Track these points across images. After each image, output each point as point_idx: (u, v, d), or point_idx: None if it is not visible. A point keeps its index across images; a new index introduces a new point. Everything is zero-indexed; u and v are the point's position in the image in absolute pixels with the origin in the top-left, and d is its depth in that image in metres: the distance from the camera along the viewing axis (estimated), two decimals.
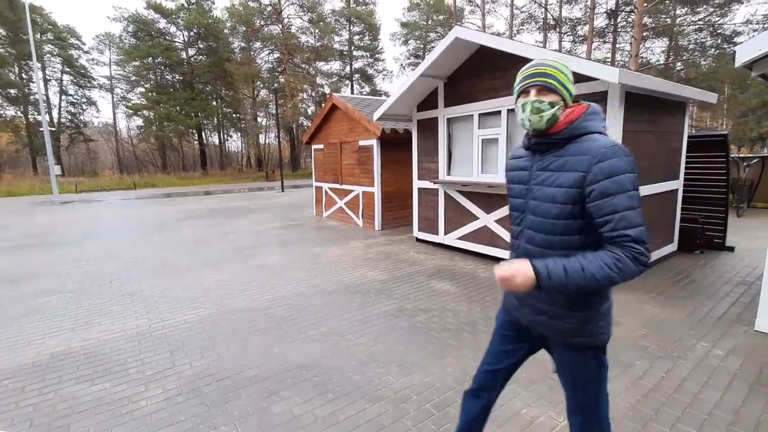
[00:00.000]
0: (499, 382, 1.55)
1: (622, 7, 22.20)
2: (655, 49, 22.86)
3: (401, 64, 38.30)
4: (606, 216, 1.08)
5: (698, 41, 20.30)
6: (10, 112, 32.15)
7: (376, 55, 40.80)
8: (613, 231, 1.08)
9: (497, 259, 5.36)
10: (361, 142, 8.30)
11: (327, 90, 37.48)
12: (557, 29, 25.17)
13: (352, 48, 39.51)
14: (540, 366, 2.56)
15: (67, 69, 34.21)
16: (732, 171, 6.95)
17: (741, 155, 11.53)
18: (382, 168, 7.95)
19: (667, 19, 20.45)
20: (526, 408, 2.32)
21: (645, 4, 17.60)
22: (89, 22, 60.44)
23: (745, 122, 21.58)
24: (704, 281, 4.51)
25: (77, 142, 37.04)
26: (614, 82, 3.67)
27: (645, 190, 4.58)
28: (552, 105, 1.18)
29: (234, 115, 40.11)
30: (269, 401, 2.45)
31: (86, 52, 35.29)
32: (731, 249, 5.75)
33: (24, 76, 31.63)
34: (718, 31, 18.91)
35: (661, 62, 21.22)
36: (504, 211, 5.16)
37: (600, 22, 23.04)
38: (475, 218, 5.59)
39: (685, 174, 5.75)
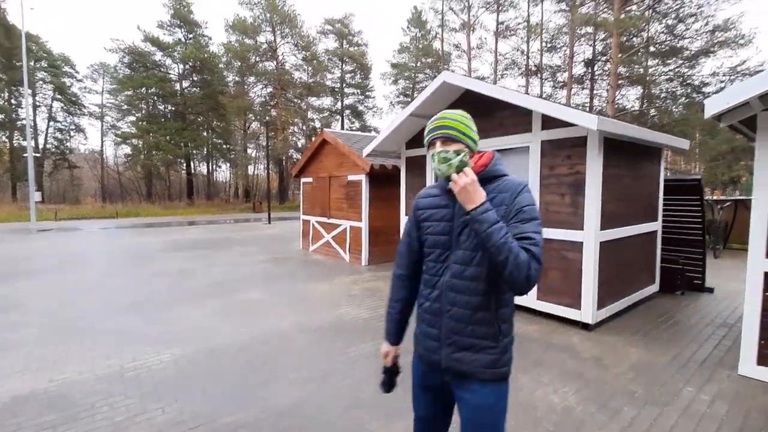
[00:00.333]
0: None
1: (599, 57, 23.71)
2: (630, 96, 24.25)
3: (391, 102, 39.62)
4: (519, 235, 1.21)
5: (669, 90, 21.63)
6: None
7: (367, 93, 42.21)
8: (522, 243, 1.21)
9: None
10: (350, 177, 8.39)
11: (318, 124, 38.30)
12: (539, 75, 26.60)
13: (344, 85, 40.86)
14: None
15: (59, 96, 34.29)
16: (707, 213, 7.22)
17: (715, 198, 12.03)
18: (370, 203, 8.01)
19: (640, 69, 21.86)
20: None
21: (619, 55, 18.88)
22: (85, 51, 61.55)
23: (716, 166, 22.70)
24: (687, 323, 4.55)
25: (61, 168, 36.49)
26: (593, 129, 3.86)
27: (626, 231, 4.70)
28: (457, 153, 1.28)
29: (224, 146, 40.37)
30: None
31: (79, 80, 35.62)
32: (711, 290, 5.87)
33: (13, 101, 31.54)
34: (688, 82, 20.24)
35: (636, 109, 22.45)
36: None
37: (578, 69, 24.51)
38: None
39: (664, 216, 5.94)
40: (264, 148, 37.05)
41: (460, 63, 32.38)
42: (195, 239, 12.57)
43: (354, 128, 40.98)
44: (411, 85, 38.38)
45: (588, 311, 4.19)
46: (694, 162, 28.92)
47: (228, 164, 43.53)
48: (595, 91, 24.75)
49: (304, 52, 36.65)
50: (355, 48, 40.27)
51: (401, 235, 1.58)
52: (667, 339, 4.05)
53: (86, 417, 2.66)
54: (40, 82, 32.89)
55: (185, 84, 36.91)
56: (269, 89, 36.65)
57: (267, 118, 34.57)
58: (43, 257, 9.15)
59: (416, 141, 6.47)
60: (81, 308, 5.15)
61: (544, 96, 26.11)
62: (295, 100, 37.36)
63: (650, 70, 21.66)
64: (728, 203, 9.86)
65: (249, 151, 40.61)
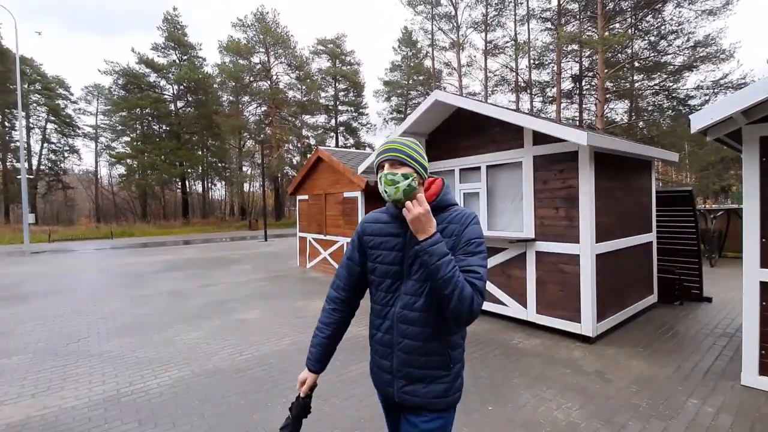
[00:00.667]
0: None
1: (586, 73, 24.30)
2: (618, 110, 24.79)
3: (384, 118, 40.11)
4: (464, 268, 1.20)
5: (656, 103, 22.17)
6: None
7: (360, 110, 42.76)
8: (467, 276, 1.20)
9: (483, 312, 5.32)
10: (346, 194, 8.44)
11: (312, 141, 38.58)
12: (528, 91, 27.16)
13: (338, 103, 41.39)
14: None
15: (53, 118, 34.38)
16: (700, 223, 7.32)
17: (707, 207, 12.21)
18: None
19: (627, 84, 22.41)
20: None
21: (606, 71, 19.38)
22: (79, 73, 62.00)
23: (707, 176, 23.09)
24: (687, 333, 4.56)
25: (55, 189, 36.30)
26: (584, 144, 3.94)
27: (621, 243, 4.75)
28: (405, 177, 1.25)
29: (219, 165, 40.46)
30: None
31: (74, 102, 35.79)
32: (709, 300, 5.90)
33: (6, 124, 31.56)
34: (673, 95, 20.77)
35: (625, 121, 22.92)
36: (489, 263, 5.20)
37: (566, 85, 25.07)
38: None
39: (658, 227, 6.02)
40: (259, 165, 37.15)
41: (451, 80, 33.04)
42: (191, 258, 12.46)
43: (348, 145, 41.37)
44: (404, 102, 38.97)
45: (588, 324, 4.20)
46: (684, 172, 29.41)
47: (223, 182, 43.58)
48: (584, 105, 25.27)
49: (297, 72, 37.25)
50: (348, 67, 40.99)
51: (342, 260, 1.51)
52: (669, 350, 4.05)
53: None
54: (34, 104, 33.00)
55: (180, 104, 37.22)
56: (263, 108, 37.05)
57: (262, 136, 34.85)
58: (36, 280, 9.01)
59: None
60: (75, 331, 5.06)
61: (534, 111, 26.62)
62: (290, 118, 37.76)
63: (636, 84, 22.22)
64: (721, 212, 10.01)
65: (244, 169, 40.72)
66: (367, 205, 8.03)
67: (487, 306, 5.24)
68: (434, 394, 1.30)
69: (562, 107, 24.39)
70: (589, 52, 22.65)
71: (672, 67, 20.00)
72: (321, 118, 41.52)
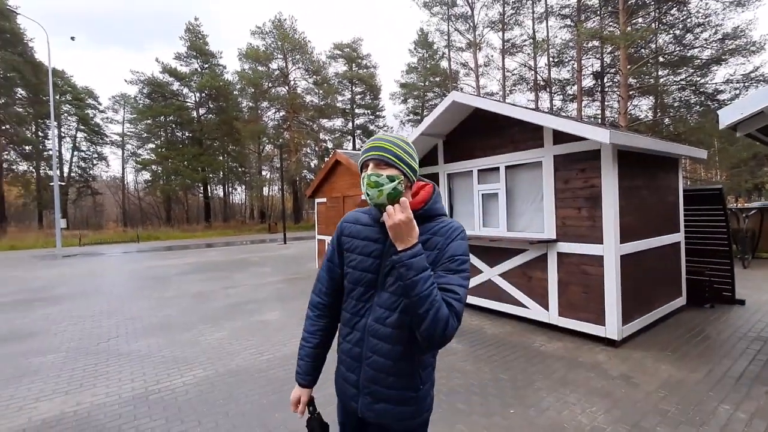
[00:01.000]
0: None
1: (608, 69, 23.70)
2: (642, 107, 24.07)
3: (401, 121, 40.15)
4: (443, 285, 1.10)
5: (683, 99, 21.40)
6: (23, 167, 33.28)
7: (377, 113, 42.93)
8: (445, 296, 1.10)
9: (503, 315, 5.25)
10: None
11: (330, 145, 38.98)
12: (548, 89, 26.69)
13: (354, 106, 41.69)
14: None
15: (82, 126, 35.88)
16: (732, 222, 7.02)
17: (739, 206, 11.69)
18: None
19: (651, 80, 21.74)
20: None
21: (628, 67, 18.86)
22: (107, 84, 64.65)
23: (738, 173, 22.13)
24: (718, 337, 4.38)
25: (85, 195, 37.86)
26: (606, 142, 3.85)
27: (647, 243, 4.61)
28: (391, 179, 1.14)
29: (239, 169, 41.33)
30: None
31: (101, 111, 37.27)
32: (742, 302, 5.65)
33: (40, 133, 33.11)
34: (701, 90, 20.01)
35: (650, 118, 22.22)
36: (509, 265, 5.15)
37: (588, 82, 24.49)
38: (479, 272, 5.56)
39: (686, 227, 5.81)
40: (278, 169, 37.79)
41: (468, 81, 32.79)
42: (213, 261, 12.76)
43: None
44: (420, 104, 38.92)
45: (613, 327, 4.09)
46: (714, 170, 28.28)
47: (243, 187, 44.44)
48: (606, 103, 24.64)
49: (314, 77, 37.72)
50: (365, 70, 41.25)
51: (323, 262, 1.41)
52: (699, 354, 3.90)
53: None
54: (65, 114, 34.53)
55: (202, 111, 38.25)
56: (282, 113, 37.66)
57: (280, 140, 35.39)
58: (68, 282, 9.41)
59: (428, 159, 6.54)
60: (105, 331, 5.26)
61: (554, 109, 26.13)
62: (307, 123, 38.25)
63: (661, 80, 21.52)
64: (753, 211, 9.58)
65: (263, 173, 41.48)
66: None
67: (507, 308, 5.18)
68: (402, 416, 1.22)
69: (583, 105, 23.83)
70: (610, 48, 22.08)
71: (699, 61, 19.28)
72: (338, 122, 41.92)
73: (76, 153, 36.60)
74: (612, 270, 4.09)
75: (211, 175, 38.97)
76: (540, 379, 3.41)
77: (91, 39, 71.71)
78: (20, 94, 30.69)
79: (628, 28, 18.65)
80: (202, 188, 38.83)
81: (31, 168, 33.36)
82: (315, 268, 10.44)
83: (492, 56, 30.38)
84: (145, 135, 37.20)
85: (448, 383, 3.39)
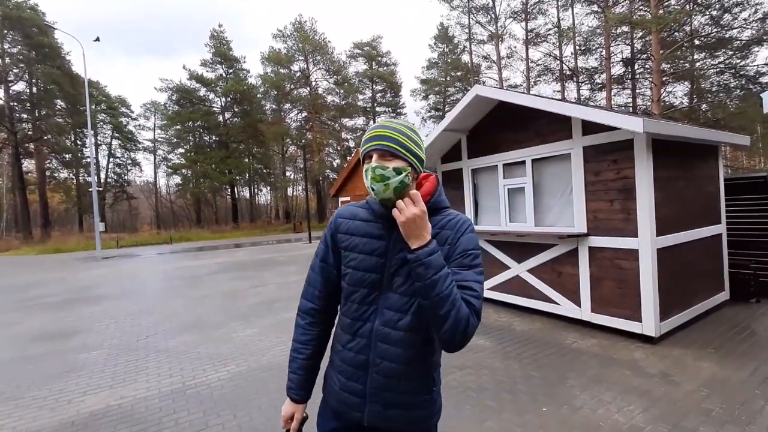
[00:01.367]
0: None
1: (638, 55, 22.71)
2: (677, 93, 22.92)
3: (422, 117, 39.92)
4: (460, 283, 1.04)
5: (721, 83, 20.23)
6: (64, 174, 35.29)
7: (398, 110, 42.80)
8: (463, 294, 1.05)
9: (533, 311, 5.14)
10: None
11: (352, 144, 39.20)
12: (574, 79, 25.84)
13: (375, 104, 41.75)
14: None
15: (116, 134, 37.69)
16: None
17: None
18: None
19: (686, 64, 20.67)
20: None
21: (661, 52, 17.99)
22: (138, 92, 67.53)
23: None
24: (766, 333, 4.13)
25: (121, 199, 39.77)
26: (640, 132, 3.69)
27: (685, 236, 4.40)
28: (398, 171, 1.04)
29: (264, 171, 42.28)
30: None
31: (134, 119, 39.06)
32: None
33: (78, 142, 35.00)
34: (741, 73, 18.87)
35: (686, 105, 21.15)
36: (537, 261, 5.03)
37: (617, 70, 23.57)
38: (506, 268, 5.47)
39: (729, 218, 5.50)
40: (301, 170, 38.41)
41: (490, 74, 32.17)
42: (241, 261, 13.12)
43: None
44: (442, 99, 38.54)
45: (650, 323, 3.93)
46: (758, 157, 26.61)
47: (268, 188, 45.47)
48: (637, 90, 23.64)
49: (335, 77, 38.03)
50: (385, 68, 41.21)
51: (312, 262, 1.29)
52: (743, 352, 3.69)
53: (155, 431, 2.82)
54: (101, 123, 36.37)
55: (227, 115, 39.34)
56: (304, 114, 38.20)
57: (303, 141, 35.95)
58: (108, 283, 9.91)
59: (451, 155, 6.47)
60: (143, 329, 5.50)
61: (582, 99, 25.28)
62: (329, 123, 38.63)
63: (697, 64, 20.43)
64: None
65: (287, 173, 42.23)
66: None
67: (536, 304, 5.07)
68: (414, 420, 1.15)
69: (612, 94, 22.95)
70: (641, 33, 21.16)
71: (738, 42, 18.17)
72: (359, 120, 42.08)
73: (111, 159, 38.53)
74: (648, 264, 3.93)
75: (237, 177, 40.06)
76: (573, 377, 3.32)
77: (123, 50, 74.97)
78: (60, 106, 32.53)
79: (660, 11, 17.77)
80: (229, 190, 39.99)
81: (71, 175, 35.36)
82: None
83: (515, 47, 29.84)
84: (175, 140, 38.66)
85: (477, 380, 3.35)
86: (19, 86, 30.29)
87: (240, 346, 4.60)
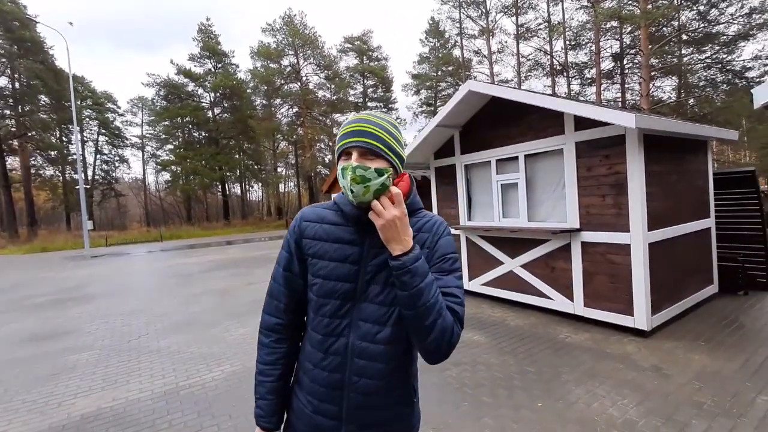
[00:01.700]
0: None
1: (627, 50, 22.88)
2: (665, 88, 23.17)
3: (414, 112, 39.76)
4: (442, 289, 0.99)
5: (708, 78, 20.50)
6: (49, 171, 34.51)
7: (390, 105, 42.60)
8: (446, 300, 1.00)
9: (526, 306, 5.18)
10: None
11: None
12: (565, 74, 25.97)
13: (367, 100, 41.47)
14: None
15: (103, 131, 36.92)
16: (766, 206, 6.72)
17: None
18: None
19: (674, 59, 20.89)
20: None
21: (650, 47, 18.17)
22: (125, 87, 66.24)
23: None
24: (754, 326, 4.22)
25: (109, 197, 39.06)
26: (631, 127, 3.72)
27: (676, 230, 4.46)
28: (380, 173, 0.94)
29: (255, 167, 41.87)
30: None
31: (121, 115, 38.21)
32: None
33: (64, 138, 34.22)
34: (728, 68, 19.13)
35: (674, 99, 21.40)
36: (530, 256, 5.06)
37: (607, 64, 23.72)
38: (500, 263, 5.50)
39: (717, 212, 5.59)
40: (293, 166, 38.14)
41: (481, 68, 32.17)
42: (234, 258, 13.01)
43: None
44: (433, 94, 38.45)
45: (642, 317, 3.98)
46: (743, 151, 27.12)
47: (260, 184, 45.05)
48: (626, 85, 23.83)
49: (326, 71, 37.67)
50: (376, 63, 40.92)
51: (273, 272, 1.15)
52: (733, 344, 3.77)
53: None
54: (87, 119, 35.53)
55: (217, 111, 38.76)
56: (295, 109, 37.81)
57: (294, 137, 35.67)
58: (97, 282, 9.75)
59: (444, 151, 6.46)
60: (135, 329, 5.43)
61: (572, 94, 25.44)
62: (320, 118, 38.33)
63: (685, 59, 20.64)
64: None
65: (279, 169, 41.92)
66: None
67: (530, 299, 5.10)
68: None
69: (602, 89, 23.14)
70: (630, 28, 21.29)
71: (725, 37, 18.39)
72: (351, 116, 41.78)
73: (98, 156, 37.76)
74: (640, 258, 3.98)
75: (228, 174, 39.61)
76: (567, 372, 3.35)
77: (108, 44, 73.35)
78: (44, 101, 31.71)
79: (649, 6, 17.92)
80: (220, 187, 39.54)
81: (57, 172, 34.54)
82: None
83: (506, 42, 29.77)
84: (164, 136, 38.00)
85: (473, 376, 3.37)
86: (1, 81, 29.49)
87: (234, 345, 4.56)
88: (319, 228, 1.07)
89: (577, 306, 4.56)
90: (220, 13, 76.77)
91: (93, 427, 2.91)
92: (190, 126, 38.12)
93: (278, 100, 37.65)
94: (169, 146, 38.40)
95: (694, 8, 19.24)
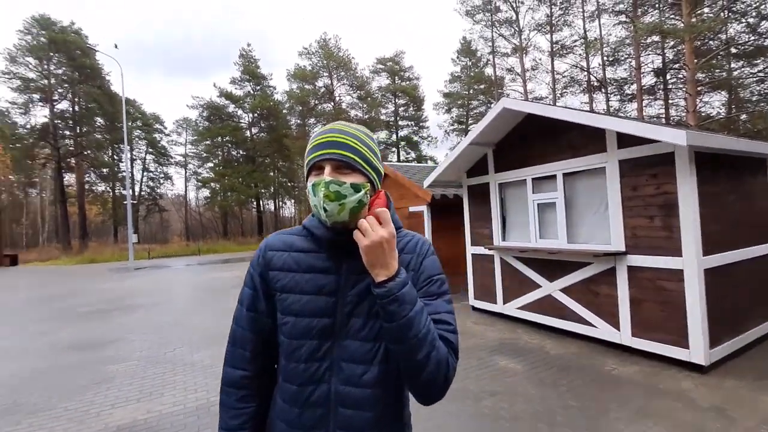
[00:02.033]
0: None
1: (671, 65, 22.00)
2: (713, 103, 21.99)
3: (445, 131, 39.81)
4: (432, 316, 0.87)
5: (762, 92, 19.27)
6: (101, 187, 37.11)
7: (421, 124, 42.91)
8: (437, 328, 0.88)
9: (566, 333, 4.88)
10: (411, 209, 8.41)
11: None
12: (603, 90, 25.25)
13: (398, 118, 42.03)
14: None
15: (150, 149, 39.49)
16: None
17: None
18: (433, 233, 7.91)
19: (723, 73, 19.84)
20: None
21: (695, 61, 17.36)
22: (172, 109, 70.99)
23: None
24: None
25: (153, 212, 41.38)
26: (682, 144, 3.49)
27: (737, 255, 4.09)
28: (356, 188, 0.84)
29: (289, 184, 43.11)
30: None
31: (167, 135, 40.88)
32: None
33: (115, 157, 36.82)
34: None
35: (723, 115, 20.22)
36: (570, 280, 4.80)
37: (648, 80, 22.88)
38: (537, 286, 5.24)
39: None
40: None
41: (514, 86, 31.92)
42: None
43: (410, 159, 41.66)
44: (465, 113, 38.43)
45: (699, 350, 3.63)
46: None
47: (293, 200, 46.20)
48: (670, 101, 22.83)
49: (358, 91, 38.67)
50: (407, 82, 41.58)
51: (236, 313, 1.01)
52: None
53: None
54: (136, 138, 38.22)
55: (254, 130, 40.53)
56: None
57: None
58: (139, 293, 10.19)
59: (477, 169, 6.35)
60: (172, 341, 5.57)
61: (611, 111, 24.63)
62: None
63: (735, 73, 19.59)
64: None
65: None
66: (434, 218, 7.92)
67: (570, 326, 4.81)
68: None
69: (643, 105, 22.24)
70: (672, 43, 20.51)
71: None
72: (382, 134, 42.45)
73: (145, 173, 40.33)
74: (694, 285, 3.66)
75: (263, 191, 41.00)
76: (615, 408, 3.09)
77: (158, 70, 79.03)
78: (99, 123, 34.45)
79: (693, 20, 17.21)
80: (255, 203, 40.93)
81: (108, 188, 37.12)
82: None
83: (540, 59, 29.44)
84: (205, 155, 40.12)
85: (510, 408, 3.17)
86: (63, 105, 32.38)
87: None
88: (288, 257, 0.94)
89: (623, 335, 4.23)
90: (262, 37, 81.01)
91: None
92: (229, 145, 40.01)
93: (312, 120, 38.88)
94: (210, 164, 40.43)
95: (743, 20, 18.31)
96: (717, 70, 20.02)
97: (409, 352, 0.80)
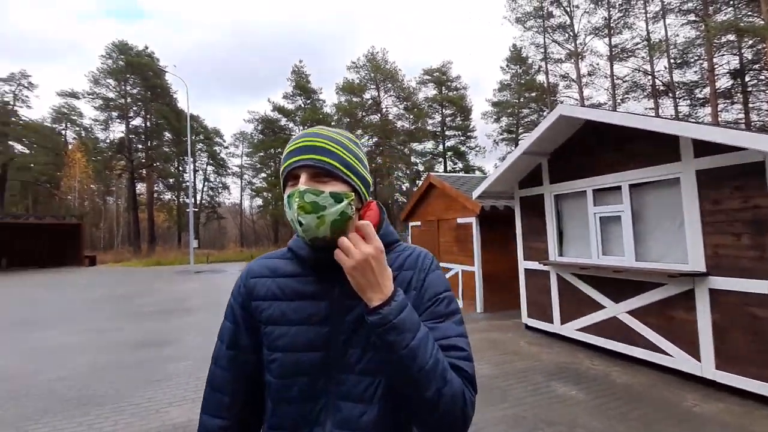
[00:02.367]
0: None
1: (750, 66, 19.92)
2: None
3: (494, 140, 38.88)
4: (440, 342, 0.73)
5: None
6: (167, 196, 40.38)
7: (468, 133, 42.26)
8: (448, 357, 0.74)
9: (634, 360, 4.43)
10: (459, 220, 8.20)
11: (421, 168, 39.42)
12: (670, 94, 23.39)
13: (445, 128, 41.73)
14: None
15: (211, 161, 42.41)
16: None
17: None
18: (482, 246, 7.63)
19: None
20: None
21: None
22: (231, 123, 76.11)
23: None
24: None
25: (212, 219, 44.26)
26: None
27: None
28: (337, 198, 0.73)
29: None
30: None
31: (225, 147, 43.70)
32: None
33: (180, 168, 39.94)
34: None
35: None
36: (639, 301, 4.37)
37: (723, 83, 20.87)
38: (600, 307, 4.84)
39: None
40: (372, 193, 39.19)
41: (569, 93, 30.56)
42: None
43: (457, 169, 41.10)
44: (515, 122, 37.34)
45: None
46: None
47: None
48: (750, 104, 20.60)
49: (405, 102, 38.99)
50: (454, 92, 41.27)
51: (214, 351, 0.90)
52: None
53: None
54: (199, 151, 41.26)
55: None
56: (375, 139, 39.47)
57: (373, 165, 36.97)
58: (198, 295, 10.81)
59: (530, 180, 6.05)
60: None
61: (681, 116, 22.72)
62: (399, 147, 39.39)
63: None
64: None
65: None
66: (483, 231, 7.65)
67: (640, 353, 4.36)
68: None
69: (718, 109, 20.28)
70: (751, 42, 18.60)
71: None
72: (429, 145, 42.33)
73: (206, 183, 43.31)
74: None
75: None
76: None
77: (220, 87, 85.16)
78: (167, 137, 37.68)
79: None
80: None
81: (173, 197, 40.28)
82: None
83: (597, 64, 27.96)
84: (259, 166, 42.35)
85: None
86: (137, 121, 35.91)
87: None
88: (272, 283, 0.83)
89: (705, 367, 3.75)
90: (314, 50, 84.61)
91: None
92: (281, 157, 41.93)
93: (359, 131, 39.71)
94: (263, 174, 42.57)
95: None
96: None
97: (415, 389, 0.67)
